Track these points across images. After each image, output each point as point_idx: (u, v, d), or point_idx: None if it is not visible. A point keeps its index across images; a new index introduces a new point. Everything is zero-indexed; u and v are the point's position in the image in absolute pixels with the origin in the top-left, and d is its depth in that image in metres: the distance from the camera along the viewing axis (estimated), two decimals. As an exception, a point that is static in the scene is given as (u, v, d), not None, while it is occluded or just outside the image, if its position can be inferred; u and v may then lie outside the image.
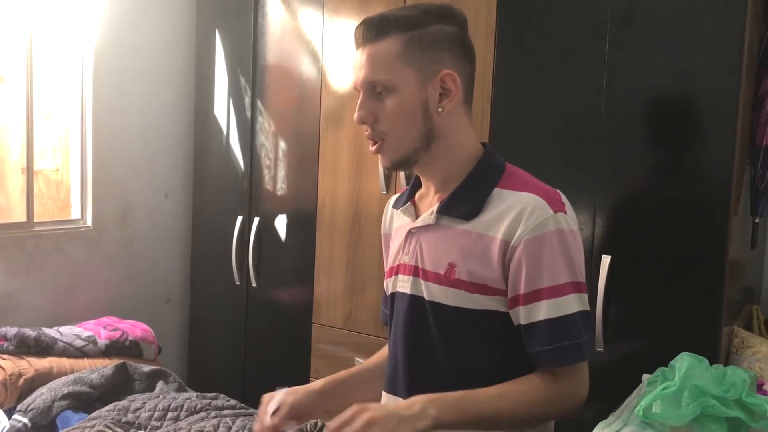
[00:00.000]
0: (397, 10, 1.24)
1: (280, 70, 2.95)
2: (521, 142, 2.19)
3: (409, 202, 1.33)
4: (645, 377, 1.53)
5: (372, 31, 1.19)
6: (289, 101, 2.94)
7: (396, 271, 1.32)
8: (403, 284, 1.29)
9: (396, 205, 1.38)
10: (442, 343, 1.24)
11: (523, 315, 1.17)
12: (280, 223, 2.96)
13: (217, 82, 3.17)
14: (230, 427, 1.92)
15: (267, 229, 2.99)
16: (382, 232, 1.46)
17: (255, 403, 2.83)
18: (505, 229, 1.17)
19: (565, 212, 1.19)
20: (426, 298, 1.24)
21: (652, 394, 1.31)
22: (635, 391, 1.53)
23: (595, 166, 2.05)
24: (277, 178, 2.97)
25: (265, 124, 2.99)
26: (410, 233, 1.29)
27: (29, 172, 2.94)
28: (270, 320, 3.02)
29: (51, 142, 3.11)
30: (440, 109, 1.21)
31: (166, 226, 3.32)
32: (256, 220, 3.00)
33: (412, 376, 1.28)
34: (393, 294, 1.34)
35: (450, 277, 1.21)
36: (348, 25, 2.61)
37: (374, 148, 1.24)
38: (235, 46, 3.09)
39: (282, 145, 2.95)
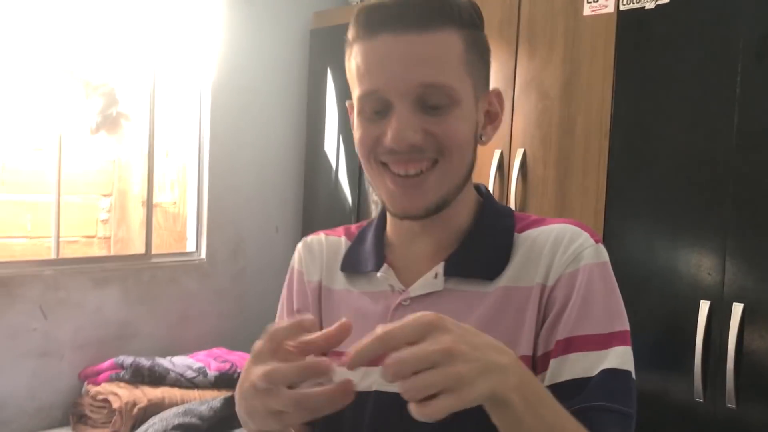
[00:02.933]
0: None
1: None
2: (641, 179, 2.08)
3: (385, 265, 0.94)
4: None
5: (421, 13, 0.82)
6: (398, 137, 2.93)
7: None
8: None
9: (354, 267, 0.97)
10: None
11: (558, 369, 0.81)
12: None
13: (328, 119, 3.21)
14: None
15: (373, 265, 2.97)
16: (292, 289, 1.04)
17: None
18: (541, 270, 0.86)
19: (603, 247, 0.89)
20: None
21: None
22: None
23: (725, 206, 1.90)
24: (385, 214, 2.96)
25: (374, 160, 3.00)
26: (400, 307, 0.90)
27: (149, 205, 3.07)
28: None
29: (169, 176, 3.24)
30: (483, 137, 0.91)
31: (275, 260, 3.37)
32: (363, 255, 2.99)
33: None
34: (363, 393, 0.85)
35: None
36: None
37: (415, 180, 0.84)
38: (345, 83, 3.12)
39: (390, 180, 2.94)
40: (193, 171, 3.18)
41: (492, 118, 0.93)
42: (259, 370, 0.67)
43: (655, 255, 2.03)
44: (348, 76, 0.90)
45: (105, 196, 3.38)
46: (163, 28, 2.83)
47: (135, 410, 2.40)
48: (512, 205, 2.34)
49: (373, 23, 0.83)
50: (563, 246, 0.86)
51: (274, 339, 0.68)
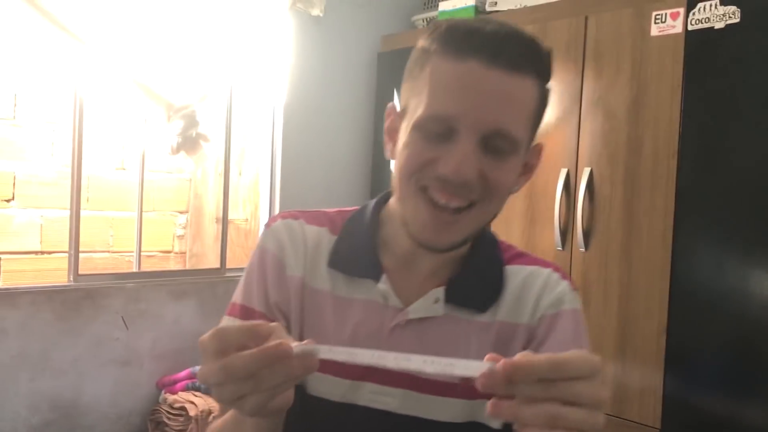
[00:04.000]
0: (531, 40, 0.83)
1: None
2: (711, 198, 2.07)
3: (384, 276, 0.91)
4: None
5: (513, 56, 0.80)
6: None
7: (360, 375, 0.89)
8: (383, 399, 0.89)
9: (345, 268, 0.93)
10: None
11: None
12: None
13: (394, 137, 3.28)
14: None
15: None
16: (266, 275, 0.93)
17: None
18: (530, 310, 0.91)
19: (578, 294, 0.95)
20: (427, 417, 0.88)
21: None
22: None
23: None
24: (450, 232, 3.00)
25: (439, 178, 3.05)
26: (398, 328, 0.90)
27: (224, 221, 3.19)
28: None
29: (241, 194, 3.37)
30: (516, 187, 0.89)
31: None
32: (429, 272, 3.04)
33: None
34: (348, 405, 0.89)
35: (468, 386, 0.75)
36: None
37: (452, 217, 0.83)
38: (412, 103, 3.20)
39: (455, 198, 2.98)
40: (265, 189, 3.29)
41: (528, 170, 0.91)
42: (212, 366, 0.61)
43: (726, 276, 2.02)
44: (410, 83, 0.86)
45: (181, 212, 3.53)
46: (237, 51, 2.96)
47: (210, 418, 2.50)
48: (579, 225, 2.36)
49: (464, 45, 0.79)
50: (548, 290, 0.92)
51: (221, 340, 0.62)
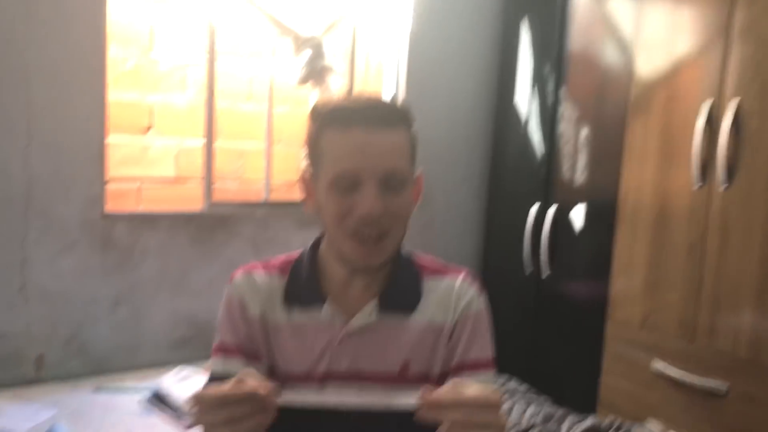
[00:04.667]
0: (389, 103, 1.14)
1: (585, 58, 2.88)
2: None
3: (329, 299, 1.17)
4: None
5: (385, 118, 1.09)
6: (593, 89, 2.86)
7: (322, 380, 1.16)
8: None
9: (297, 301, 1.18)
10: None
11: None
12: (577, 213, 2.89)
13: (520, 69, 3.19)
14: (524, 410, 1.94)
15: (562, 218, 2.95)
16: (235, 318, 1.19)
17: (542, 390, 2.84)
18: (450, 314, 1.19)
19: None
20: (379, 405, 1.02)
21: None
22: None
23: None
24: (577, 167, 2.91)
25: (567, 111, 2.95)
26: (345, 337, 1.16)
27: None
28: (560, 312, 2.98)
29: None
30: (413, 209, 1.16)
31: (461, 211, 3.44)
32: (553, 208, 2.97)
33: None
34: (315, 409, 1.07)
35: (405, 375, 1.17)
36: (663, 12, 2.45)
37: (376, 247, 1.10)
38: (541, 33, 3.08)
39: (584, 133, 2.88)
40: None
41: (416, 194, 1.17)
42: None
43: None
44: (312, 155, 1.13)
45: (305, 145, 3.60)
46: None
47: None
48: (719, 162, 2.21)
49: (345, 118, 1.06)
50: (461, 297, 1.20)
51: (200, 403, 0.93)
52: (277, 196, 3.39)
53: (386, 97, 1.16)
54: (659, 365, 2.44)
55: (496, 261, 3.35)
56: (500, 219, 3.32)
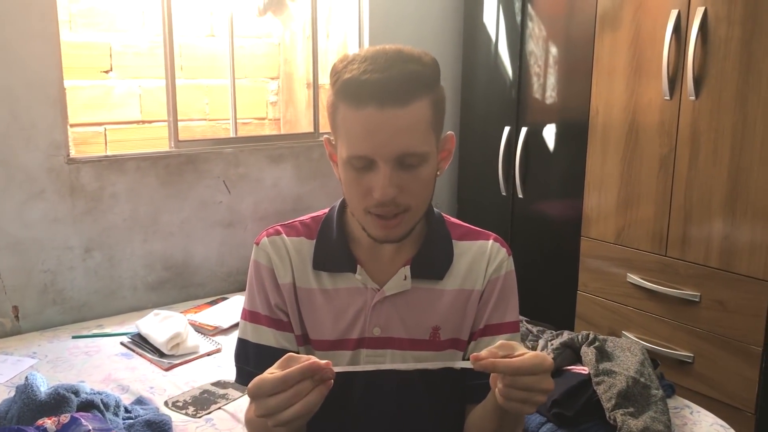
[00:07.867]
0: (414, 62, 1.02)
1: (553, -28, 2.81)
2: None
3: (359, 266, 1.15)
4: None
5: (399, 94, 0.99)
6: (561, 4, 2.80)
7: (355, 346, 1.15)
8: (378, 360, 1.15)
9: (327, 267, 1.16)
10: (433, 412, 1.20)
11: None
12: (549, 133, 2.88)
13: (487, -11, 3.11)
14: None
15: (535, 139, 2.93)
16: (264, 285, 1.17)
17: (520, 309, 2.88)
18: (480, 278, 1.18)
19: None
20: (413, 368, 1.04)
21: None
22: None
23: None
24: (547, 87, 2.88)
25: (536, 30, 2.89)
26: (378, 304, 1.14)
27: (315, 86, 3.17)
28: (536, 232, 3.00)
29: (330, 57, 3.31)
30: (439, 172, 1.12)
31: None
32: (524, 129, 2.96)
33: None
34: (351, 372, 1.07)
35: (435, 340, 1.17)
36: None
37: (395, 221, 1.06)
38: (506, -51, 3.00)
39: (553, 51, 2.84)
40: (354, 49, 3.23)
41: (448, 155, 1.13)
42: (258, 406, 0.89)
43: None
44: (332, 125, 1.07)
45: (272, 79, 3.53)
46: None
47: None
48: (690, 72, 2.19)
49: (358, 96, 0.99)
50: (492, 259, 1.19)
51: (262, 389, 0.88)
52: (246, 132, 3.33)
53: (409, 55, 1.02)
54: (634, 278, 2.47)
55: (471, 184, 3.35)
56: (473, 143, 3.29)
